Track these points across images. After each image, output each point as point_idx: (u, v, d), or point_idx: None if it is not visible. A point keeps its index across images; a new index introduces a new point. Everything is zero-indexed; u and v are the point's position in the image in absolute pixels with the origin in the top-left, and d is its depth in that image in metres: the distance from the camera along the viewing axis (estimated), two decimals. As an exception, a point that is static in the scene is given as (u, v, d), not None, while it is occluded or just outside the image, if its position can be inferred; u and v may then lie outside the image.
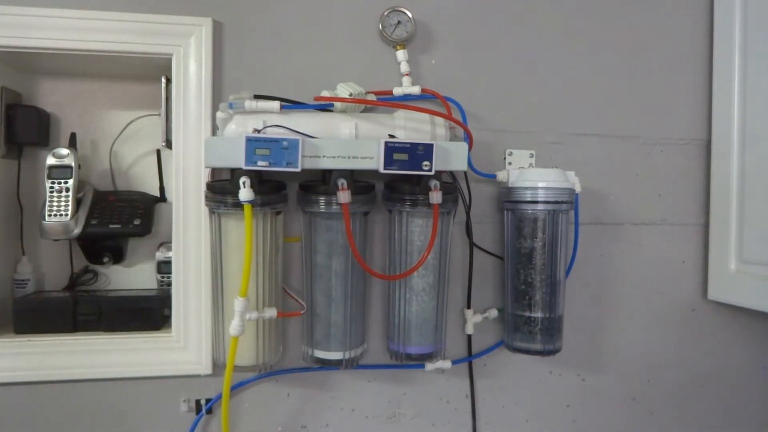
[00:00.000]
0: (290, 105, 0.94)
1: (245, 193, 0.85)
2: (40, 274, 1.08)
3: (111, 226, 1.01)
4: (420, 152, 0.89)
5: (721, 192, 1.12)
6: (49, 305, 0.99)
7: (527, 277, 1.00)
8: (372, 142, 0.89)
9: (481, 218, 1.09)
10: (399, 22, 1.04)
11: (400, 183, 0.96)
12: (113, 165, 1.10)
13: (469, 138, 1.01)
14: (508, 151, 1.09)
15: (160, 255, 1.07)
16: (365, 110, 0.98)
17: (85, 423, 1.00)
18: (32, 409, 0.98)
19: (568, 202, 1.00)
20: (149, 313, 1.01)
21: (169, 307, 1.00)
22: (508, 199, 1.02)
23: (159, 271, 1.08)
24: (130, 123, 1.09)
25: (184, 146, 0.98)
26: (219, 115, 0.93)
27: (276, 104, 0.91)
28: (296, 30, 1.03)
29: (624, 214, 1.14)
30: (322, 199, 0.91)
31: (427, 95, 1.02)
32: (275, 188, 0.92)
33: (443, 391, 1.10)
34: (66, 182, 1.00)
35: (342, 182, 0.89)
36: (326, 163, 0.88)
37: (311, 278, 0.95)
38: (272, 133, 0.89)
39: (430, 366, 1.06)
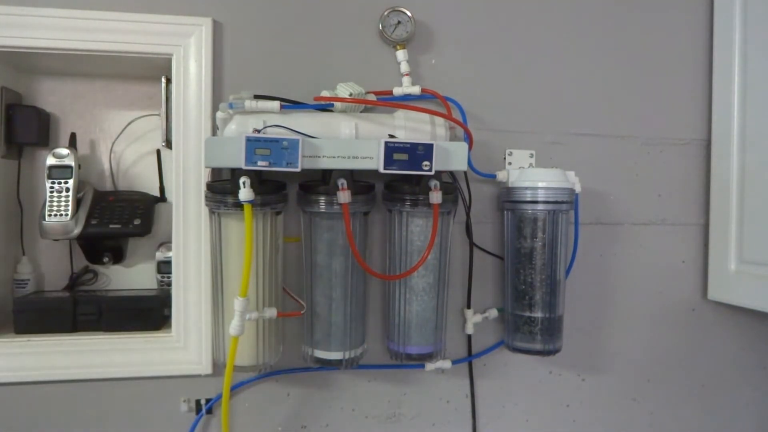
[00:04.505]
0: (290, 105, 0.94)
1: (245, 193, 0.85)
2: (40, 274, 1.08)
3: (111, 226, 1.01)
4: (420, 152, 0.89)
5: (721, 192, 1.12)
6: (49, 305, 0.99)
7: (527, 277, 1.00)
8: (372, 142, 0.89)
9: (481, 218, 1.09)
10: (399, 22, 1.04)
11: (400, 183, 0.96)
12: (113, 165, 1.10)
13: (469, 138, 1.01)
14: (508, 151, 1.09)
15: (160, 255, 1.08)
16: (365, 110, 0.98)
17: (86, 423, 1.00)
18: (32, 409, 0.98)
19: (568, 202, 1.00)
20: (149, 313, 1.01)
21: (169, 307, 1.00)
22: (508, 199, 1.02)
23: (159, 271, 1.08)
24: (130, 123, 1.09)
25: (184, 146, 0.98)
26: (219, 115, 0.93)
27: (276, 104, 0.91)
28: (296, 30, 1.03)
29: (624, 214, 1.14)
30: (322, 199, 0.91)
31: (427, 95, 1.02)
32: (275, 188, 0.92)
33: (443, 391, 1.10)
34: (66, 182, 1.00)
35: (342, 182, 0.89)
36: (326, 163, 0.88)
37: (311, 278, 0.95)
38: (272, 133, 0.89)
39: (430, 366, 1.06)
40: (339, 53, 1.04)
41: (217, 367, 0.99)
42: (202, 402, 1.02)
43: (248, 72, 1.01)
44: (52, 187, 1.00)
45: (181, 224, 0.98)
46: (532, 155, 1.10)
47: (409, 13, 1.04)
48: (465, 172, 1.04)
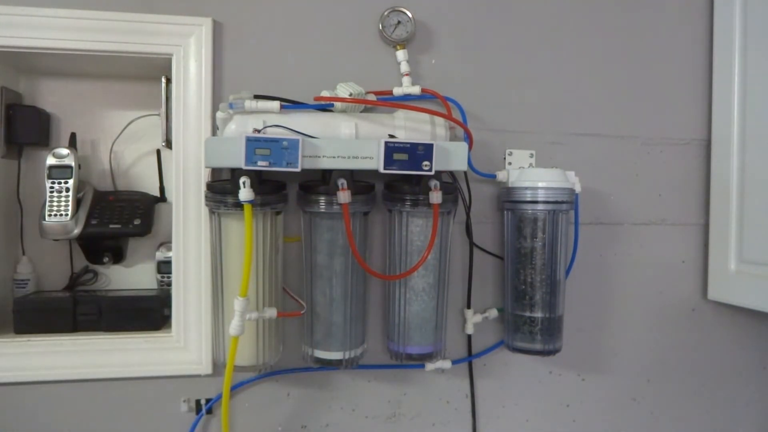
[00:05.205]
0: (290, 105, 0.94)
1: (245, 193, 0.85)
2: (40, 274, 1.08)
3: (111, 226, 1.01)
4: (420, 152, 0.89)
5: (721, 192, 1.12)
6: (49, 305, 0.99)
7: (527, 277, 1.00)
8: (372, 142, 0.89)
9: (481, 218, 1.09)
10: (399, 22, 1.04)
11: (400, 183, 0.96)
12: (113, 165, 1.10)
13: (469, 138, 1.01)
14: (508, 151, 1.09)
15: (160, 255, 1.08)
16: (365, 110, 0.98)
17: (86, 423, 1.00)
18: (32, 409, 0.98)
19: (568, 202, 1.00)
20: (149, 313, 1.01)
21: (169, 307, 1.00)
22: (508, 199, 1.02)
23: (159, 271, 1.08)
24: (130, 123, 1.09)
25: (184, 146, 0.98)
26: (219, 115, 0.93)
27: (276, 104, 0.91)
28: (296, 30, 1.03)
29: (624, 214, 1.14)
30: (322, 199, 0.91)
31: (427, 95, 1.02)
32: (275, 188, 0.92)
33: (443, 391, 1.10)
34: (66, 182, 1.00)
35: (342, 182, 0.89)
36: (326, 163, 0.88)
37: (311, 278, 0.95)
38: (272, 133, 0.89)
39: (430, 366, 1.06)
40: (339, 53, 1.04)
41: (217, 367, 0.99)
42: (202, 402, 1.02)
43: (248, 72, 1.01)
44: (52, 187, 1.00)
45: (181, 224, 0.98)
46: (532, 155, 1.10)
47: (409, 13, 1.04)
48: (465, 172, 1.04)
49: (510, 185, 1.02)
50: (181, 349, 0.99)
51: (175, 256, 0.99)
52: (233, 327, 0.87)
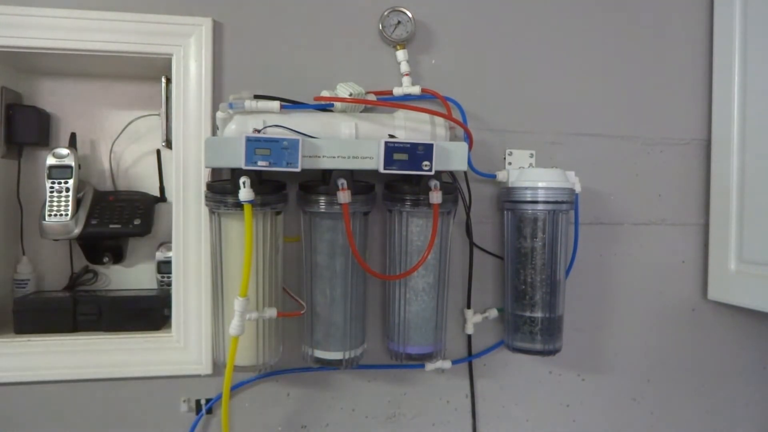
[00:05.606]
0: (290, 105, 0.94)
1: (245, 193, 0.85)
2: (40, 274, 1.08)
3: (111, 226, 1.01)
4: (420, 152, 0.89)
5: (721, 192, 1.12)
6: (49, 305, 0.99)
7: (527, 277, 1.00)
8: (372, 142, 0.89)
9: (481, 218, 1.09)
10: (399, 22, 1.04)
11: (400, 183, 0.96)
12: (113, 165, 1.10)
13: (469, 138, 1.01)
14: (508, 151, 1.09)
15: (160, 255, 1.08)
16: (365, 110, 0.98)
17: (85, 423, 1.00)
18: (32, 409, 0.98)
19: (568, 202, 1.00)
20: (149, 313, 1.01)
21: (169, 307, 1.00)
22: (508, 199, 1.02)
23: (159, 271, 1.08)
24: (130, 123, 1.09)
25: (184, 146, 0.98)
26: (219, 115, 0.93)
27: (276, 104, 0.91)
28: (296, 30, 1.03)
29: (624, 214, 1.14)
30: (322, 199, 0.91)
31: (427, 95, 1.02)
32: (275, 188, 0.92)
33: (443, 391, 1.10)
34: (66, 182, 1.00)
35: (342, 182, 0.89)
36: (326, 163, 0.88)
37: (311, 278, 0.95)
38: (272, 133, 0.89)
39: (430, 366, 1.06)
40: (339, 53, 1.04)
41: (217, 367, 0.99)
42: (202, 402, 1.02)
43: (248, 72, 1.01)
44: (52, 187, 1.00)
45: (181, 224, 0.98)
46: (532, 155, 1.10)
47: (409, 13, 1.04)
48: (465, 172, 1.04)
49: (510, 185, 1.02)
50: (181, 349, 0.99)
51: (175, 256, 0.99)
52: (233, 327, 0.87)
